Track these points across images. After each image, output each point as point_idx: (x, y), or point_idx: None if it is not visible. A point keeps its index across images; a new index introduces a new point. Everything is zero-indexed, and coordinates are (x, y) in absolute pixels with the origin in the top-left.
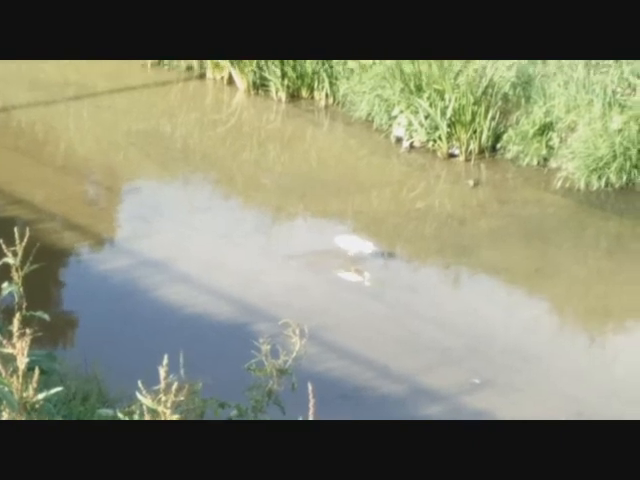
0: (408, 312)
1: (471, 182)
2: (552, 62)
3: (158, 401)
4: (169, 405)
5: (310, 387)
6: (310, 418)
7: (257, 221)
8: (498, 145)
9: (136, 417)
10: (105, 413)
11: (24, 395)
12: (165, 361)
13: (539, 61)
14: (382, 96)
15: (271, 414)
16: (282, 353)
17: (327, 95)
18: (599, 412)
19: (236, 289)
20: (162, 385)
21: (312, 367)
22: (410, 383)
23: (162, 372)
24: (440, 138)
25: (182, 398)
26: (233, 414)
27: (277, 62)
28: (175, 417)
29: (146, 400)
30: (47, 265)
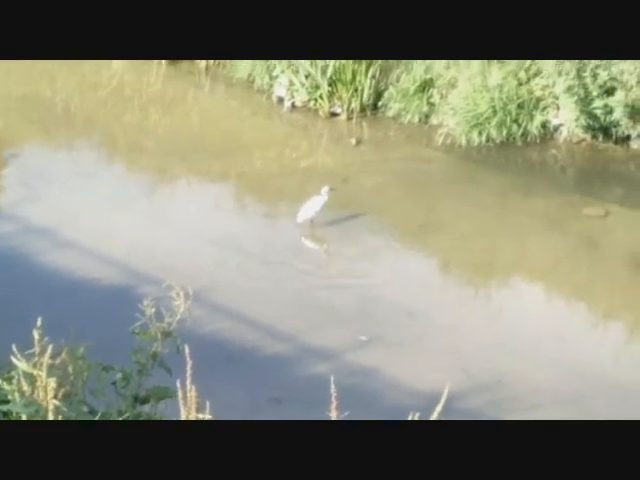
0: (292, 273)
1: (353, 140)
2: None
3: (34, 365)
4: (44, 368)
5: (187, 349)
6: (188, 380)
7: (141, 185)
8: (379, 103)
9: (14, 382)
10: None
11: None
12: (39, 323)
13: None
14: None
15: (157, 378)
16: (167, 315)
17: None
18: (484, 366)
19: (121, 253)
20: (37, 348)
21: (199, 329)
22: (297, 342)
23: (36, 335)
24: (322, 97)
25: (58, 361)
26: (118, 377)
27: None
28: (51, 380)
29: (21, 364)
30: None
